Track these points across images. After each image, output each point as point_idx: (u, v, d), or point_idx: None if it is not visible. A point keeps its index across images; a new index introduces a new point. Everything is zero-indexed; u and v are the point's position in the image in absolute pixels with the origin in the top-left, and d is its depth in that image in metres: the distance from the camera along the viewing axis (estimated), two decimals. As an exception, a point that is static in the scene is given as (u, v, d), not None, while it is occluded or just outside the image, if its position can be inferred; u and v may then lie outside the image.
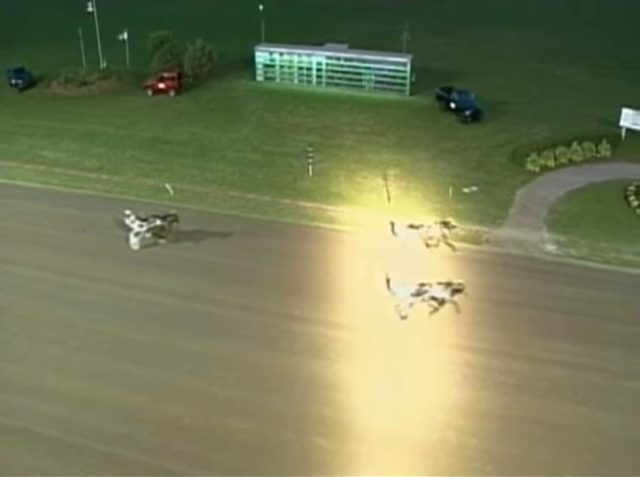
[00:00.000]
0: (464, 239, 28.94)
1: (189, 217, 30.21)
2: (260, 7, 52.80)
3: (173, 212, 28.37)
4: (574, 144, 35.97)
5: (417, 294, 23.29)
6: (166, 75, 46.47)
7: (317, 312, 23.98)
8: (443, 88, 43.73)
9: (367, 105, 44.08)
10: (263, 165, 35.89)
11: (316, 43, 49.62)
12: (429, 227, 27.20)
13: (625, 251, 26.74)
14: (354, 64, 47.08)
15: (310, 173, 34.43)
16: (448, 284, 23.35)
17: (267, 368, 21.28)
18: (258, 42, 50.65)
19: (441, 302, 23.34)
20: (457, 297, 23.42)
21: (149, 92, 46.18)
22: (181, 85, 46.75)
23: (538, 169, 34.95)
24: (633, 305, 24.38)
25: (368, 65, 46.69)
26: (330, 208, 31.43)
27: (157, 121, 41.80)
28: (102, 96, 45.96)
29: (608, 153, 36.16)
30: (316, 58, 47.83)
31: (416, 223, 27.40)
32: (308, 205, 31.69)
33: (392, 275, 23.67)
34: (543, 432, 19.01)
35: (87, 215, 30.52)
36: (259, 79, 49.26)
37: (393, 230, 27.43)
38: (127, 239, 27.83)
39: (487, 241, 28.94)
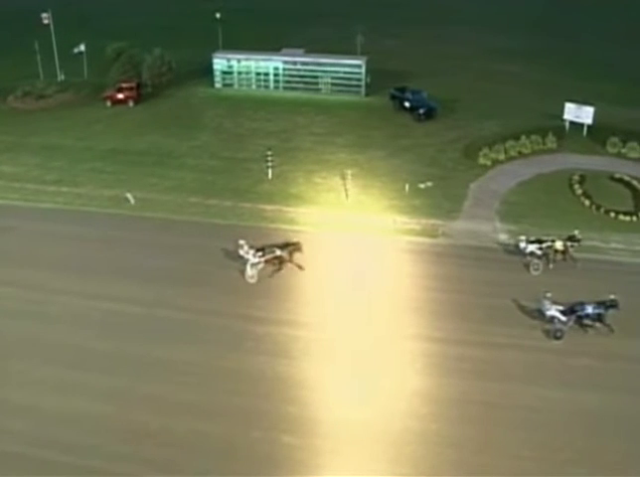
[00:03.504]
0: (421, 233, 29.98)
1: (151, 225, 30.61)
2: (217, 15, 53.24)
3: (295, 240, 26.85)
4: (523, 138, 37.45)
5: (570, 313, 22.93)
6: (124, 85, 46.48)
7: (279, 312, 24.49)
8: (397, 89, 44.81)
9: (324, 108, 44.90)
10: (223, 171, 36.30)
11: (273, 49, 50.28)
12: (553, 241, 26.87)
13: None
14: (310, 67, 47.88)
15: (270, 176, 34.98)
16: (601, 302, 22.91)
17: (232, 370, 21.65)
18: (216, 49, 51.08)
19: (595, 320, 22.97)
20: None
21: (108, 103, 46.17)
22: (140, 95, 46.82)
23: (489, 163, 36.23)
24: (580, 287, 25.35)
25: (324, 68, 47.56)
26: (290, 209, 32.04)
27: (116, 132, 41.89)
28: (61, 109, 45.76)
29: (554, 145, 37.76)
30: (273, 63, 48.48)
31: (542, 237, 27.10)
32: (268, 207, 32.23)
33: (548, 295, 23.23)
34: (500, 414, 19.86)
35: (48, 228, 30.48)
36: (218, 85, 49.65)
37: (517, 245, 27.17)
38: (243, 272, 26.14)
39: (443, 234, 29.95)
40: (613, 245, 28.72)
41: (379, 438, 19.15)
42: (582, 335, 23.08)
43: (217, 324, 23.86)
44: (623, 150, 37.17)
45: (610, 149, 37.41)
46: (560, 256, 26.85)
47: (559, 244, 26.72)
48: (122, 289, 25.79)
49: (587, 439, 19.05)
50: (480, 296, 25.03)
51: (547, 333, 23.21)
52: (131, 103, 46.16)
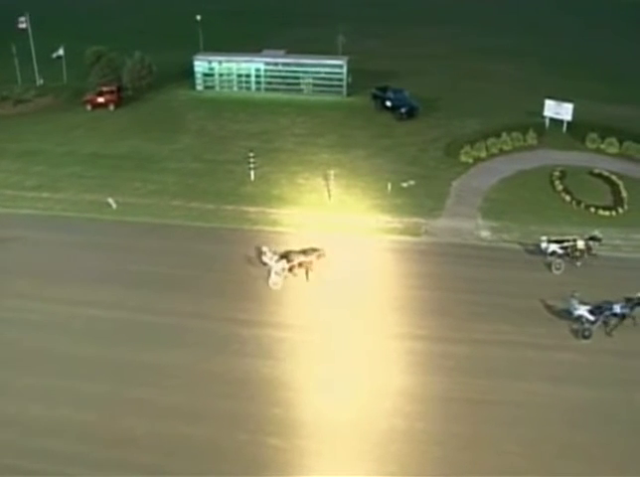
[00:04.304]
0: (404, 232, 30.07)
1: (133, 230, 30.36)
2: (198, 17, 53.19)
3: (318, 247, 26.08)
4: (504, 135, 37.81)
5: (598, 312, 22.70)
6: (105, 89, 46.26)
7: (263, 315, 24.40)
8: (379, 88, 44.98)
9: (305, 108, 44.98)
10: (205, 173, 36.12)
11: (254, 50, 50.27)
12: (574, 240, 26.82)
13: (552, 233, 28.08)
14: (291, 68, 47.96)
15: (252, 178, 34.88)
16: (629, 299, 22.75)
17: (218, 373, 21.52)
18: (197, 51, 50.92)
19: (622, 318, 22.74)
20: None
21: (88, 107, 45.90)
22: (120, 99, 46.57)
23: (471, 160, 36.51)
24: (560, 283, 25.64)
25: (305, 69, 47.63)
26: (273, 211, 31.95)
27: (97, 136, 41.55)
28: (40, 114, 45.31)
29: (535, 142, 38.24)
30: (254, 64, 48.47)
31: (561, 237, 27.13)
32: (251, 209, 32.12)
33: (576, 295, 22.95)
34: (486, 411, 19.88)
35: (28, 234, 30.05)
36: (199, 88, 49.57)
37: (539, 245, 27.04)
38: (267, 279, 25.74)
39: (426, 233, 30.07)
40: (594, 240, 29.01)
41: (364, 438, 19.12)
42: (569, 330, 23.15)
43: (202, 327, 23.70)
44: (602, 146, 37.68)
45: (589, 145, 37.89)
46: (586, 256, 26.93)
47: (580, 244, 26.82)
48: (105, 295, 25.49)
49: (575, 434, 19.08)
50: (463, 293, 25.14)
51: (575, 333, 23.04)
52: (112, 107, 45.93)
